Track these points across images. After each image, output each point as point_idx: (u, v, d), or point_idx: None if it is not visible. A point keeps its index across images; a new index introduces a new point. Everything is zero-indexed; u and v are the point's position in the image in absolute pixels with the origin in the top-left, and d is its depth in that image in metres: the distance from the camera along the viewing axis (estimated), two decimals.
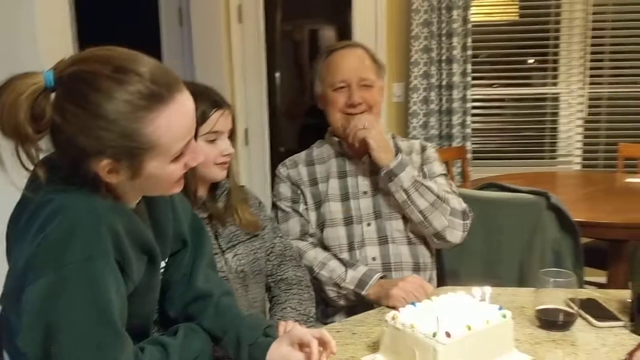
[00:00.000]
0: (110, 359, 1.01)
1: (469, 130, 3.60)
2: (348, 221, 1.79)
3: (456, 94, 3.56)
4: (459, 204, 1.78)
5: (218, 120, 1.47)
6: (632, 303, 1.39)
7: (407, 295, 1.55)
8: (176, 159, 1.05)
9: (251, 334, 1.23)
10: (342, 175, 1.85)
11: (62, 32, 2.10)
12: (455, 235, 1.74)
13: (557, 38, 3.69)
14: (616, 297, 1.55)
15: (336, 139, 1.86)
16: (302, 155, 1.93)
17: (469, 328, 1.17)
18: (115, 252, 1.03)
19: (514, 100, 3.86)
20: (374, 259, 1.76)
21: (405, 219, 1.78)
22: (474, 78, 3.61)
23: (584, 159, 3.78)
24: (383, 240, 1.78)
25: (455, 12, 3.47)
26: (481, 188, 2.23)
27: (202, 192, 1.54)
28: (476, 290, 1.24)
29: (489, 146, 3.79)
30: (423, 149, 1.89)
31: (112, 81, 0.97)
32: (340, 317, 1.74)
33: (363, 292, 1.65)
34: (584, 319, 1.42)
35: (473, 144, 3.68)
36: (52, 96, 0.99)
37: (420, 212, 1.71)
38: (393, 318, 1.23)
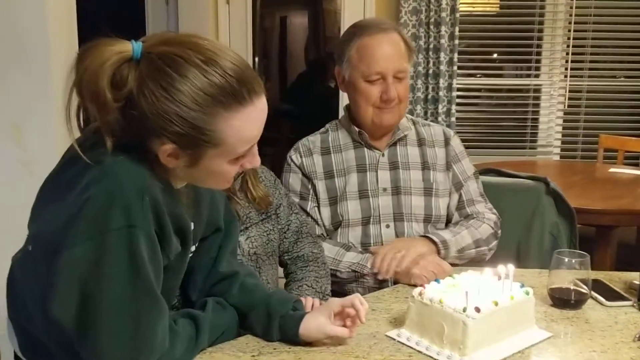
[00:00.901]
0: (148, 328, 1.01)
1: (453, 119, 3.64)
2: (365, 221, 1.74)
3: (442, 82, 3.60)
4: (492, 223, 1.81)
5: None
6: None
7: (429, 274, 1.55)
8: (236, 159, 1.05)
9: (282, 307, 1.24)
10: (362, 169, 1.76)
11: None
12: (492, 251, 1.81)
13: (540, 30, 3.76)
14: (620, 278, 1.61)
15: (357, 128, 1.77)
16: (317, 141, 1.81)
17: (496, 304, 1.21)
18: (156, 225, 1.03)
19: (496, 91, 3.92)
20: None
21: (427, 221, 1.75)
22: (458, 68, 3.66)
23: (563, 149, 3.88)
24: None
25: (444, 1, 3.50)
26: (480, 173, 2.27)
27: None
28: (501, 267, 1.27)
29: (471, 135, 3.85)
30: (447, 141, 1.84)
31: (200, 70, 0.97)
32: None
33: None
34: (594, 298, 1.47)
35: (456, 132, 3.72)
36: (136, 69, 0.98)
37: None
38: (420, 294, 1.25)
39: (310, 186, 1.77)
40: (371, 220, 1.73)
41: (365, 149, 1.78)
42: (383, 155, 1.78)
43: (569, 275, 1.46)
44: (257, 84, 1.02)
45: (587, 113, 3.78)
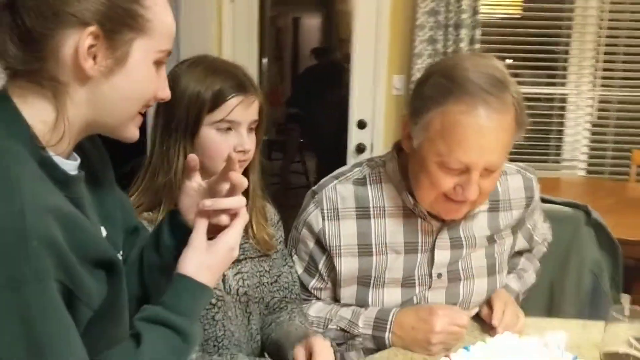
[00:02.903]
0: None
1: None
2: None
3: None
4: (547, 243, 1.62)
5: (236, 107, 1.20)
6: None
7: (448, 340, 1.25)
8: (157, 64, 0.88)
9: None
10: (411, 249, 1.35)
11: None
12: None
13: (568, 36, 3.48)
14: None
15: (411, 199, 1.31)
16: (349, 195, 1.33)
17: None
18: (56, 272, 0.74)
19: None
20: None
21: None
22: None
23: (590, 164, 3.60)
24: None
25: (464, 2, 3.24)
26: None
27: None
28: (551, 336, 1.00)
29: None
30: (529, 201, 1.44)
31: None
32: None
33: (386, 335, 1.30)
34: None
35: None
36: None
37: None
38: None
39: (323, 263, 1.36)
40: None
41: (419, 220, 1.34)
42: (443, 230, 1.35)
43: (628, 332, 1.18)
44: None
45: (617, 126, 3.50)
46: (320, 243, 1.34)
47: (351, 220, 1.33)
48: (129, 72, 0.84)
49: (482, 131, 1.16)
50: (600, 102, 3.48)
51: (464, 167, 1.19)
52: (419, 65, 3.36)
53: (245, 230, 1.28)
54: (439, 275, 1.35)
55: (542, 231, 1.61)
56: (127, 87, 0.85)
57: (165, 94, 0.92)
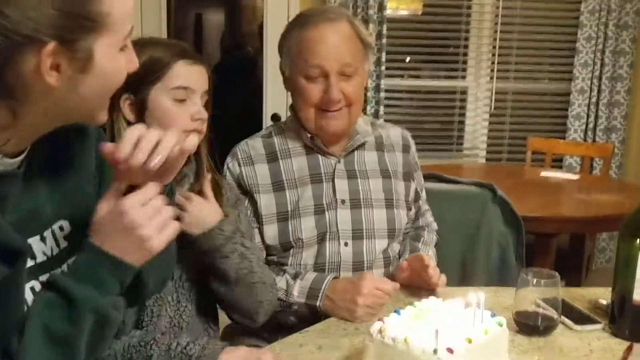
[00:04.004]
0: None
1: (382, 121, 3.50)
2: (321, 238, 1.49)
3: (370, 83, 3.45)
4: (435, 232, 1.70)
5: (188, 73, 1.21)
6: (612, 304, 1.31)
7: (373, 309, 1.34)
8: (122, 49, 0.85)
9: None
10: (316, 179, 1.51)
11: None
12: None
13: (467, 31, 3.68)
14: (584, 296, 1.47)
15: (308, 134, 1.51)
16: (259, 145, 1.53)
17: (470, 341, 1.02)
18: None
19: (423, 93, 3.82)
20: None
21: (390, 237, 1.55)
22: (385, 68, 3.51)
23: (489, 152, 3.83)
24: (359, 265, 1.51)
25: None
26: None
27: None
28: (472, 295, 1.09)
29: None
30: (406, 147, 1.65)
31: None
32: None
33: (318, 304, 1.40)
34: (563, 323, 1.32)
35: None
36: None
37: None
38: (380, 331, 1.05)
39: (247, 203, 1.50)
40: (327, 236, 1.49)
41: (319, 156, 1.54)
42: (339, 162, 1.54)
43: (534, 295, 1.30)
44: None
45: (512, 115, 3.75)
46: (241, 187, 1.50)
47: (263, 164, 1.52)
48: (96, 71, 0.82)
49: (326, 39, 1.43)
50: (497, 93, 3.71)
51: (322, 72, 1.44)
52: None
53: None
54: (343, 202, 1.51)
55: (430, 220, 1.72)
56: (96, 84, 0.83)
57: (134, 65, 0.89)
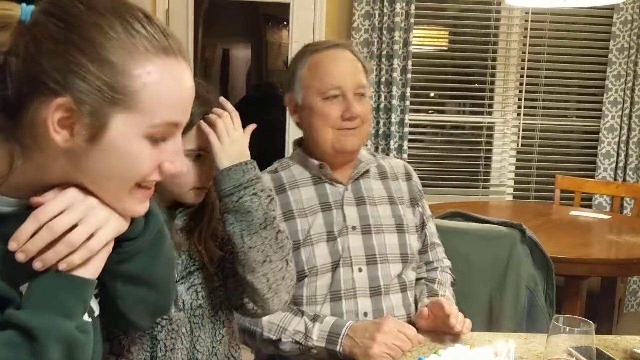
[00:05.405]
0: None
1: (405, 156, 3.47)
2: (335, 265, 1.47)
3: (394, 117, 3.43)
4: (449, 270, 1.67)
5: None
6: None
7: (391, 349, 1.29)
8: (153, 140, 0.79)
9: None
10: (326, 207, 1.51)
11: None
12: None
13: (494, 67, 3.66)
14: (617, 344, 1.40)
15: (316, 162, 1.52)
16: (266, 178, 1.51)
17: None
18: None
19: (448, 128, 3.79)
20: (365, 314, 1.46)
21: (404, 261, 1.53)
22: (410, 103, 3.50)
23: (516, 189, 3.76)
24: (375, 290, 1.49)
25: (396, 34, 3.36)
26: (444, 217, 2.07)
27: (160, 204, 1.21)
28: (501, 344, 1.03)
29: (422, 173, 3.67)
30: (409, 176, 1.65)
31: (112, 9, 0.76)
32: None
33: (338, 349, 1.35)
34: None
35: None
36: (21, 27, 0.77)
37: None
38: None
39: None
40: (341, 263, 1.47)
41: (327, 185, 1.54)
42: (347, 189, 1.55)
43: (566, 343, 1.24)
44: (180, 45, 0.82)
45: (540, 152, 3.69)
46: None
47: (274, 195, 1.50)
48: (105, 146, 0.77)
49: (337, 60, 1.50)
50: (524, 130, 3.66)
51: (339, 91, 1.47)
52: None
53: (198, 239, 1.23)
54: (354, 228, 1.51)
55: (441, 256, 1.67)
56: (103, 162, 0.78)
57: (175, 167, 0.83)
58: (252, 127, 1.24)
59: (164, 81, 0.78)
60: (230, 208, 1.17)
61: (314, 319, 1.41)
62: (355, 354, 1.32)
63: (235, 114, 1.22)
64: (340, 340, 1.35)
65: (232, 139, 1.17)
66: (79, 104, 0.74)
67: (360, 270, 1.49)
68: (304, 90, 1.50)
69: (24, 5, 0.77)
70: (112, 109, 0.75)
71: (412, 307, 1.53)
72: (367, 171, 1.59)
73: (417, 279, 1.61)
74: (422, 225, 1.64)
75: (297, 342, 1.38)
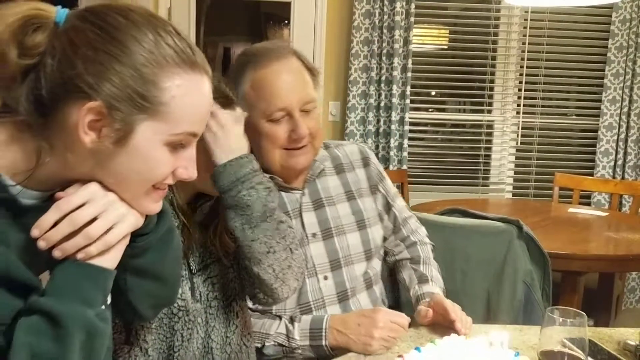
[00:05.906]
0: None
1: (405, 154, 3.50)
2: None
3: (394, 115, 3.46)
4: (427, 239, 1.65)
5: None
6: None
7: (389, 342, 1.31)
8: (172, 147, 0.85)
9: None
10: None
11: None
12: None
13: (493, 66, 3.68)
14: (611, 337, 1.43)
15: (267, 175, 1.37)
16: None
17: None
18: None
19: (448, 126, 3.81)
20: None
21: (368, 259, 1.53)
22: (410, 101, 3.52)
23: (515, 187, 3.79)
24: (343, 295, 1.49)
25: (397, 32, 3.38)
26: (443, 213, 2.09)
27: (182, 197, 1.23)
28: (495, 335, 1.06)
29: (421, 171, 3.71)
30: (366, 161, 1.62)
31: (148, 23, 0.82)
32: None
33: (324, 343, 1.36)
34: None
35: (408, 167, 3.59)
36: (56, 30, 0.81)
37: None
38: None
39: None
40: (305, 274, 1.44)
41: (282, 194, 1.50)
42: (304, 194, 1.52)
43: (560, 334, 1.26)
44: (204, 59, 0.88)
45: (539, 150, 3.71)
46: None
47: None
48: (130, 150, 0.82)
49: (282, 76, 1.40)
50: (523, 128, 3.69)
51: (285, 112, 1.40)
52: (354, 92, 3.48)
53: (214, 233, 1.26)
54: (314, 235, 1.49)
55: (415, 227, 1.66)
56: (127, 165, 0.83)
57: (188, 174, 0.89)
58: (244, 114, 1.23)
59: (190, 95, 0.84)
60: (230, 203, 1.18)
61: (292, 320, 1.42)
62: (353, 349, 1.34)
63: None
64: (323, 334, 1.37)
65: (226, 133, 1.17)
66: (110, 109, 0.79)
67: (325, 278, 1.49)
68: (249, 110, 1.36)
69: (59, 8, 0.81)
70: (140, 116, 0.81)
71: (379, 301, 1.55)
72: (322, 170, 1.57)
73: (400, 260, 1.61)
74: (388, 207, 1.63)
75: (280, 345, 1.39)
